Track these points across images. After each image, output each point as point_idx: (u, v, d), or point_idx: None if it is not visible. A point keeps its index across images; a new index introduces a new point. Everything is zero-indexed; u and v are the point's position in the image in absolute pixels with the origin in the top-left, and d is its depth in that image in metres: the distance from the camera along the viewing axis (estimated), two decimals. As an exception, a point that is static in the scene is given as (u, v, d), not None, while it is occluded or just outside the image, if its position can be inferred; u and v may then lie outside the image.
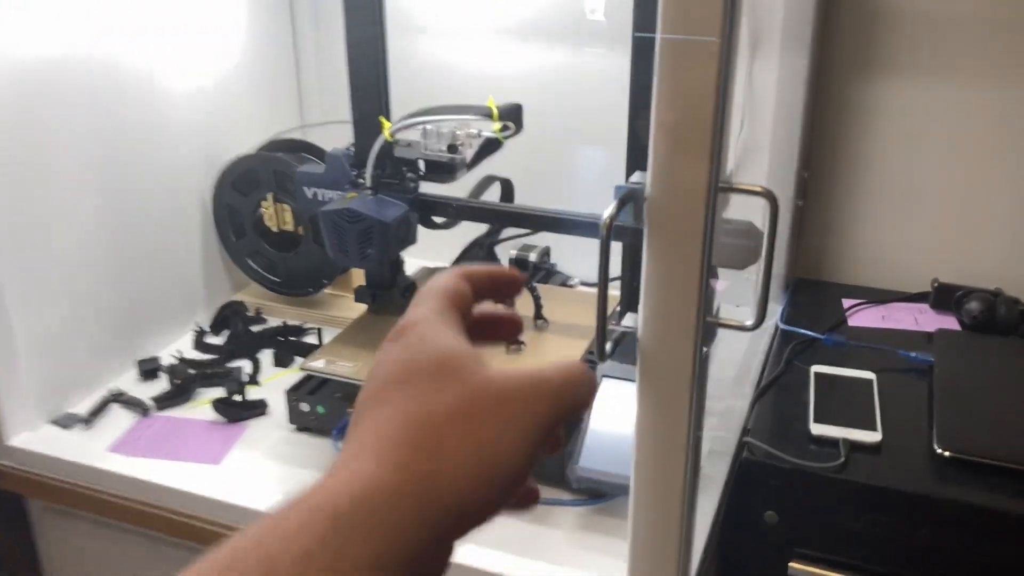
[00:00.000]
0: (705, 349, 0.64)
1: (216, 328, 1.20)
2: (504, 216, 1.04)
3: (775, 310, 1.13)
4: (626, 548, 0.73)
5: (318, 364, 0.93)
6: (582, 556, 0.82)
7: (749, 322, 0.66)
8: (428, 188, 1.02)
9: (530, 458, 0.34)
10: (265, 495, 0.87)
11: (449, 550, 0.32)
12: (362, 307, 1.14)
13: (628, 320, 0.88)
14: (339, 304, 1.24)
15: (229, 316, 1.20)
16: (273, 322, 1.22)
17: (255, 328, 1.19)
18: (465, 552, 0.82)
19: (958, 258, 1.16)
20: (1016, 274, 1.11)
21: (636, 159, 0.93)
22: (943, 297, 1.11)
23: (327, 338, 1.15)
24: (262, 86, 1.29)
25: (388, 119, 0.99)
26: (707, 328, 0.63)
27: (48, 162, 0.97)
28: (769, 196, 0.62)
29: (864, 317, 1.12)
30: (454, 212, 1.02)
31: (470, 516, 0.32)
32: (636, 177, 0.63)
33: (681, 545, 0.70)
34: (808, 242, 1.23)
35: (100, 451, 0.95)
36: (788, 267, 1.20)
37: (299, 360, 1.14)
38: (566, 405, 0.36)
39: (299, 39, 1.34)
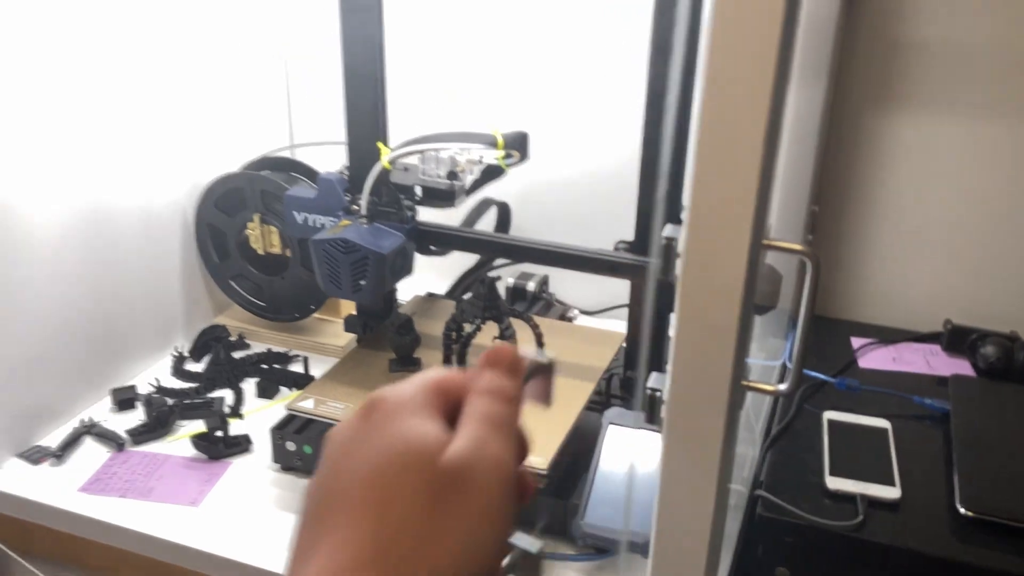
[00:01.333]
0: (739, 407, 0.59)
1: (196, 354, 1.14)
2: (507, 249, 0.99)
3: (783, 346, 1.09)
4: None
5: (307, 404, 0.87)
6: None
7: (783, 386, 0.61)
8: (424, 212, 0.97)
9: (504, 536, 0.34)
10: (247, 543, 0.81)
11: None
12: (351, 335, 1.08)
13: (653, 379, 0.84)
14: (327, 330, 1.19)
15: (210, 341, 1.14)
16: (257, 348, 1.16)
17: (238, 354, 1.13)
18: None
19: (971, 298, 1.12)
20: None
21: (647, 195, 0.89)
22: (956, 339, 1.07)
23: (314, 366, 1.10)
24: (250, 101, 1.23)
25: (386, 144, 0.94)
26: (740, 392, 0.59)
27: (10, 176, 0.91)
28: (812, 257, 0.57)
29: (874, 358, 1.08)
30: (456, 243, 0.97)
31: None
32: (668, 231, 0.58)
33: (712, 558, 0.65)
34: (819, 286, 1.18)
35: (70, 490, 0.89)
36: (796, 302, 1.16)
37: (284, 391, 1.08)
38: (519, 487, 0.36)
39: (292, 52, 1.28)
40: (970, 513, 0.81)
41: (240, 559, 0.80)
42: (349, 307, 1.15)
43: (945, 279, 1.13)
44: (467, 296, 0.97)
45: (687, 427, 0.59)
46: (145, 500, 0.89)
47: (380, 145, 0.92)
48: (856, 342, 1.11)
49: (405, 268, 0.96)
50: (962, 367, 1.05)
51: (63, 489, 0.89)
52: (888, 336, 1.12)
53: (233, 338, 1.16)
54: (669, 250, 0.56)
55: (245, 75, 1.21)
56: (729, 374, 0.57)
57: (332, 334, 1.17)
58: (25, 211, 0.92)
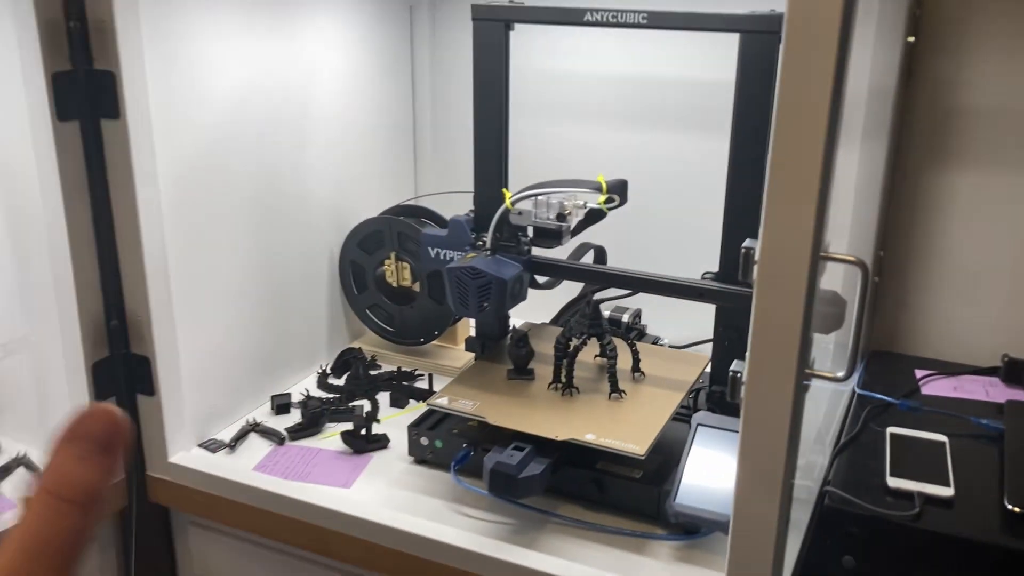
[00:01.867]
0: (804, 391, 0.74)
1: (337, 371, 1.33)
2: (606, 278, 1.16)
3: (851, 370, 1.22)
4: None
5: (442, 401, 1.05)
6: (681, 571, 0.91)
7: (840, 373, 0.76)
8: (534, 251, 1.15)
9: None
10: (392, 517, 0.98)
11: None
12: (468, 356, 1.26)
13: (735, 364, 0.98)
14: (445, 354, 1.37)
15: (349, 360, 1.33)
16: (387, 367, 1.34)
17: (372, 372, 1.32)
18: (565, 569, 0.91)
19: (1026, 336, 1.24)
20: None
21: (731, 231, 1.05)
22: (1013, 371, 1.19)
23: (437, 384, 1.28)
24: (385, 161, 1.44)
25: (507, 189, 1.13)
26: (804, 378, 0.74)
27: (215, 222, 1.13)
28: (861, 265, 0.72)
29: (936, 387, 1.20)
30: (564, 273, 1.15)
31: None
32: (747, 243, 0.74)
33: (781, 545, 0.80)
34: (883, 316, 1.32)
35: (245, 470, 1.08)
36: (864, 339, 1.29)
37: (413, 402, 1.26)
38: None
39: (418, 121, 1.50)
40: (1016, 508, 0.92)
41: (388, 524, 0.97)
42: (465, 334, 1.33)
43: (1003, 317, 1.25)
44: (574, 318, 1.14)
45: (762, 404, 0.75)
46: (304, 482, 1.07)
47: (505, 191, 1.11)
48: (919, 373, 1.23)
49: (521, 294, 1.13)
50: (1019, 395, 1.16)
51: (239, 469, 1.08)
52: (950, 369, 1.24)
53: (367, 359, 1.35)
54: (748, 257, 0.72)
55: (380, 140, 1.42)
56: (795, 360, 0.73)
57: (450, 358, 1.35)
58: (218, 256, 1.14)
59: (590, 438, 0.97)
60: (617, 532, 0.98)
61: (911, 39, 1.16)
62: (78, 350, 1.01)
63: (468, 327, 1.39)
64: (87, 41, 0.94)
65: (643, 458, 0.94)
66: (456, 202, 1.27)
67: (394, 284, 1.33)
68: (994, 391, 1.19)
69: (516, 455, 0.96)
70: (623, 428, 0.99)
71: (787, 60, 0.65)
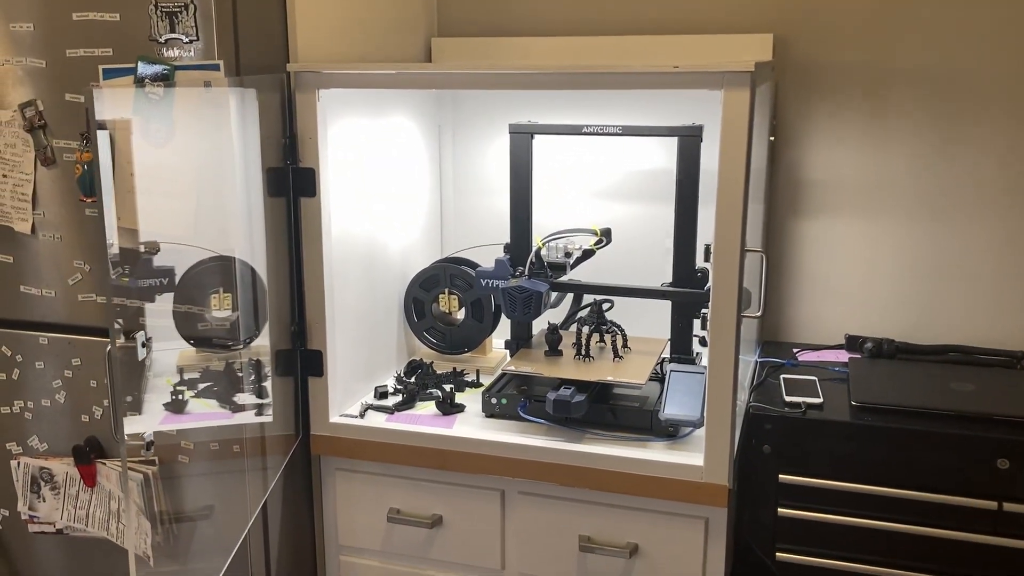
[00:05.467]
0: (740, 323, 1.39)
1: (407, 374, 1.90)
2: (598, 289, 1.79)
3: (754, 351, 1.88)
4: (693, 459, 1.45)
5: (511, 367, 1.65)
6: (669, 457, 1.52)
7: (758, 312, 1.41)
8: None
9: None
10: (490, 434, 1.56)
11: None
12: (496, 360, 1.86)
13: (697, 328, 1.61)
14: (480, 360, 1.95)
15: (416, 366, 1.90)
16: (442, 369, 1.92)
17: (434, 373, 1.90)
18: (601, 452, 1.51)
19: (860, 320, 1.95)
20: (896, 324, 1.91)
21: (679, 255, 1.70)
22: (852, 342, 1.89)
23: (482, 379, 1.87)
24: (424, 231, 2.05)
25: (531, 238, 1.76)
26: (739, 319, 1.39)
27: (347, 266, 1.70)
28: (764, 253, 1.39)
29: (806, 356, 1.88)
30: (569, 288, 1.77)
31: None
32: (709, 242, 1.39)
33: (729, 452, 1.43)
34: (768, 317, 2.00)
35: (382, 424, 1.64)
36: (759, 333, 1.96)
37: (467, 389, 1.84)
38: None
39: (443, 201, 2.12)
40: (857, 403, 1.59)
41: (484, 438, 1.55)
42: (491, 348, 1.93)
43: (845, 311, 1.96)
44: (583, 314, 1.76)
45: (719, 333, 1.39)
46: (420, 426, 1.64)
47: (537, 238, 1.74)
48: (795, 350, 1.92)
49: (547, 304, 1.75)
50: (856, 355, 1.86)
51: (378, 424, 1.64)
52: (814, 347, 1.93)
53: (429, 364, 1.92)
54: (708, 249, 1.37)
55: (422, 214, 2.03)
56: (736, 304, 1.38)
57: (483, 362, 1.94)
58: (347, 291, 1.71)
59: (609, 378, 1.59)
60: (627, 438, 1.59)
61: (772, 138, 1.88)
62: (274, 343, 1.56)
63: (493, 343, 1.98)
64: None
65: (643, 386, 1.57)
66: (482, 252, 1.89)
67: (446, 311, 1.92)
68: (841, 355, 1.88)
69: (567, 391, 1.56)
70: (626, 373, 1.61)
71: (723, 147, 1.33)
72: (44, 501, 1.57)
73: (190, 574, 1.60)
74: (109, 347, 1.41)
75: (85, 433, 1.56)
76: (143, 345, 1.39)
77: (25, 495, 1.58)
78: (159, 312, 1.53)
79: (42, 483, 1.56)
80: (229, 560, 1.57)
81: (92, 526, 1.55)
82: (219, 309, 1.56)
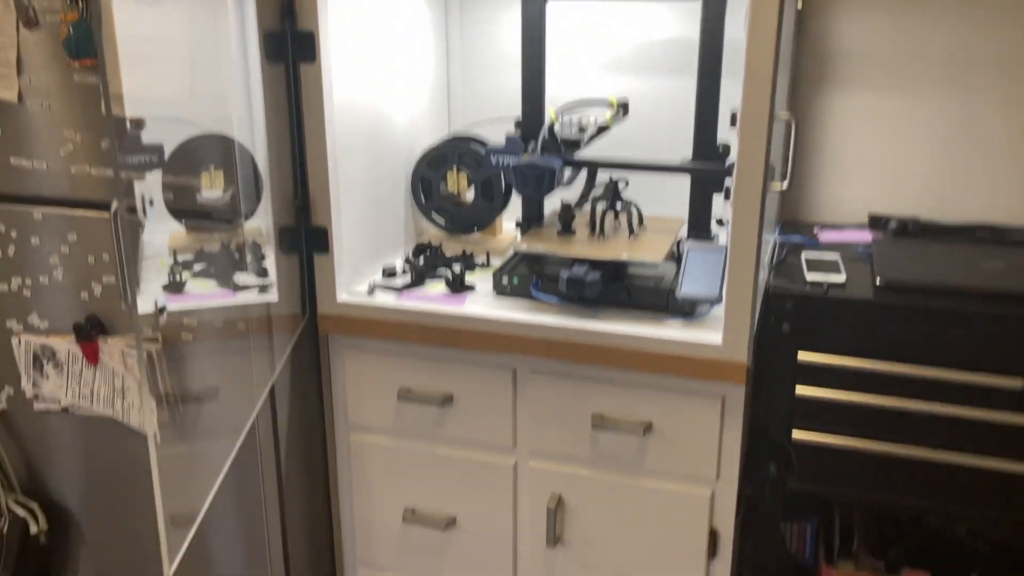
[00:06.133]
0: (766, 192, 1.32)
1: (416, 255, 1.84)
2: (612, 164, 1.71)
3: (773, 230, 1.82)
4: (711, 337, 1.40)
5: (523, 246, 1.59)
6: (686, 334, 1.47)
7: (784, 185, 1.34)
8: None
9: None
10: (501, 313, 1.52)
11: None
12: (506, 243, 1.80)
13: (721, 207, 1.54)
14: (489, 241, 1.90)
15: (424, 248, 1.85)
16: (450, 252, 1.86)
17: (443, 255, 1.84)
18: (615, 331, 1.47)
19: (884, 199, 1.87)
20: (923, 203, 1.84)
21: (700, 130, 1.62)
22: (876, 221, 1.82)
23: (492, 261, 1.81)
24: (431, 105, 1.96)
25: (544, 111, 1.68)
26: (765, 191, 1.32)
27: (351, 139, 1.63)
28: (790, 119, 1.31)
29: (828, 236, 1.82)
30: (584, 165, 1.70)
31: None
32: (733, 109, 1.31)
33: (750, 328, 1.37)
34: (789, 200, 1.93)
35: (393, 302, 1.59)
36: (779, 213, 1.90)
37: (477, 270, 1.78)
38: None
39: (452, 78, 2.02)
40: (881, 282, 1.53)
41: (496, 317, 1.50)
42: (500, 229, 1.87)
43: (869, 190, 1.88)
44: (597, 193, 1.69)
45: (743, 211, 1.32)
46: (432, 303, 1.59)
47: (549, 108, 1.65)
48: (817, 229, 1.85)
49: (560, 182, 1.68)
50: (880, 235, 1.79)
51: (388, 302, 1.59)
52: (835, 226, 1.86)
53: (438, 246, 1.87)
54: (735, 116, 1.29)
55: (428, 90, 1.94)
56: (761, 176, 1.30)
57: (493, 244, 1.88)
58: (354, 165, 1.64)
59: (624, 256, 1.53)
60: (642, 316, 1.54)
61: (799, 7, 1.77)
62: (276, 220, 1.50)
63: (502, 224, 1.92)
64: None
65: (659, 264, 1.51)
66: (492, 129, 1.81)
67: (454, 191, 1.85)
68: (865, 234, 1.82)
69: (580, 269, 1.51)
70: (642, 250, 1.55)
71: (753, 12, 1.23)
72: (48, 379, 1.54)
73: (199, 455, 1.59)
74: (115, 206, 1.30)
75: (85, 311, 1.52)
76: (149, 204, 1.30)
77: (28, 373, 1.55)
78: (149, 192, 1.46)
79: (44, 361, 1.53)
80: (240, 441, 1.55)
81: (97, 404, 1.53)
82: (210, 188, 1.50)
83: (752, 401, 1.57)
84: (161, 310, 1.32)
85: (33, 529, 1.62)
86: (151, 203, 1.29)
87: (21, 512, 1.62)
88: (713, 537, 1.55)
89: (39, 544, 1.63)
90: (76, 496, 1.67)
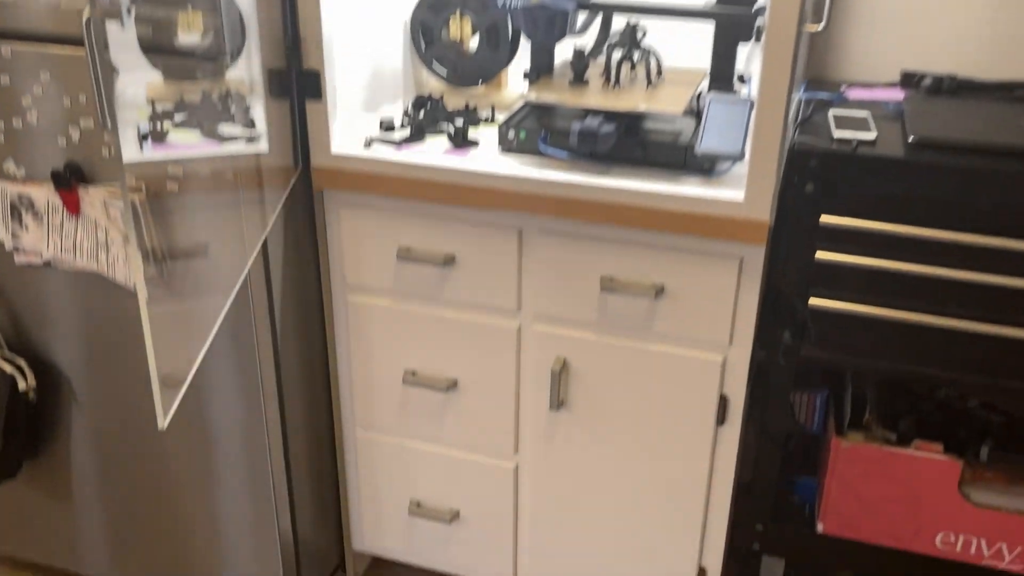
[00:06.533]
0: (800, 38, 1.20)
1: (416, 108, 1.73)
2: (629, 8, 1.58)
3: (799, 88, 1.70)
4: (731, 194, 1.30)
5: (532, 95, 1.48)
6: (705, 192, 1.38)
7: (821, 25, 1.22)
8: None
9: None
10: (507, 167, 1.42)
11: None
12: (512, 97, 1.68)
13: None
14: (494, 95, 1.78)
15: (424, 100, 1.73)
16: (452, 106, 1.75)
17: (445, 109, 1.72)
18: (612, 180, 1.38)
19: (916, 56, 1.75)
20: (959, 60, 1.71)
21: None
22: (908, 79, 1.70)
23: (498, 115, 1.70)
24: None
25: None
26: (800, 33, 1.20)
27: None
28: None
29: (856, 93, 1.70)
30: (597, 8, 1.57)
31: None
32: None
33: (774, 185, 1.28)
34: (815, 56, 1.80)
35: (393, 155, 1.49)
36: (804, 70, 1.77)
37: (481, 125, 1.67)
38: None
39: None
40: (913, 139, 1.43)
41: (501, 172, 1.41)
42: (507, 82, 1.74)
43: (900, 46, 1.75)
44: (613, 40, 1.57)
45: (775, 55, 1.20)
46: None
47: (563, -54, 1.51)
48: (844, 88, 1.73)
49: (572, 27, 1.55)
50: (912, 93, 1.67)
51: (387, 155, 1.49)
52: (865, 84, 1.74)
53: (439, 98, 1.75)
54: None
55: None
56: (796, 15, 1.18)
57: (499, 98, 1.76)
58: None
59: (642, 107, 1.42)
60: (658, 174, 1.44)
61: None
62: (265, 62, 1.39)
63: (509, 79, 1.79)
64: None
65: (679, 115, 1.40)
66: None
67: (458, 38, 1.72)
68: (896, 93, 1.70)
69: (594, 121, 1.40)
70: (660, 101, 1.44)
71: None
72: (28, 231, 1.46)
73: (189, 313, 1.52)
74: (87, 13, 1.16)
75: (64, 158, 1.43)
76: (128, 12, 1.15)
77: (7, 223, 1.47)
78: (119, 42, 1.33)
79: (23, 210, 1.45)
80: (231, 298, 1.48)
81: (80, 257, 1.45)
82: (188, 31, 1.37)
83: (768, 267, 1.49)
84: (145, 136, 1.21)
85: (22, 386, 1.57)
86: (130, 10, 1.15)
87: (8, 368, 1.57)
88: (723, 404, 1.51)
89: (28, 401, 1.58)
90: (65, 353, 1.62)
